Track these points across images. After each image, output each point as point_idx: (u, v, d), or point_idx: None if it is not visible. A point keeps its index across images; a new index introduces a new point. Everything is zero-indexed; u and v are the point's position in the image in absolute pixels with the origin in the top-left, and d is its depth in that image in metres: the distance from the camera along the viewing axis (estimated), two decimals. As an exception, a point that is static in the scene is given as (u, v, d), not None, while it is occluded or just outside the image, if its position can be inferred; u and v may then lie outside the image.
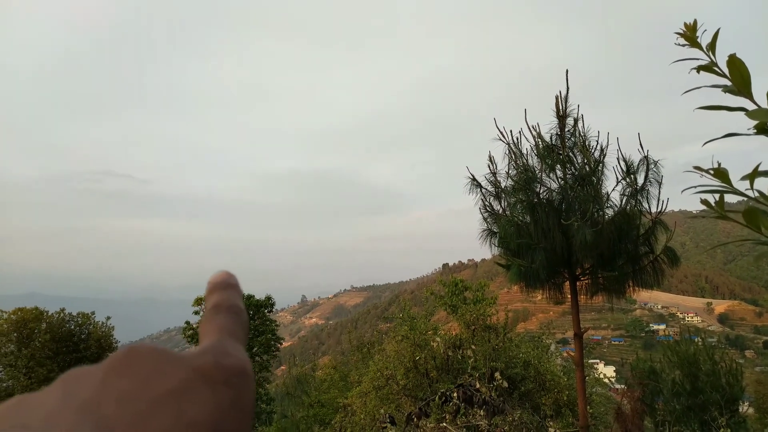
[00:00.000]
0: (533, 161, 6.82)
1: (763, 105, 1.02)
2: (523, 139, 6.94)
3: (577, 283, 6.90)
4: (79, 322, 28.12)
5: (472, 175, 7.16)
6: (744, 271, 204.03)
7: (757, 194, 0.95)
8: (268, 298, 28.98)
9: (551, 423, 5.71)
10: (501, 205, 7.03)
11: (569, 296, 7.13)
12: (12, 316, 25.84)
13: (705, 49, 1.15)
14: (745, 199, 1.06)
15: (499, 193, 7.05)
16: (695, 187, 0.98)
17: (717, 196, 0.98)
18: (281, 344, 29.86)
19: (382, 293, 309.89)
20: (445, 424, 5.02)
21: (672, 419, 9.26)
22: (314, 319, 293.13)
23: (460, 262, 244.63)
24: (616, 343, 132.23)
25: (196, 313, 27.21)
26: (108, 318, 29.76)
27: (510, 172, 6.87)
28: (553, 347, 12.15)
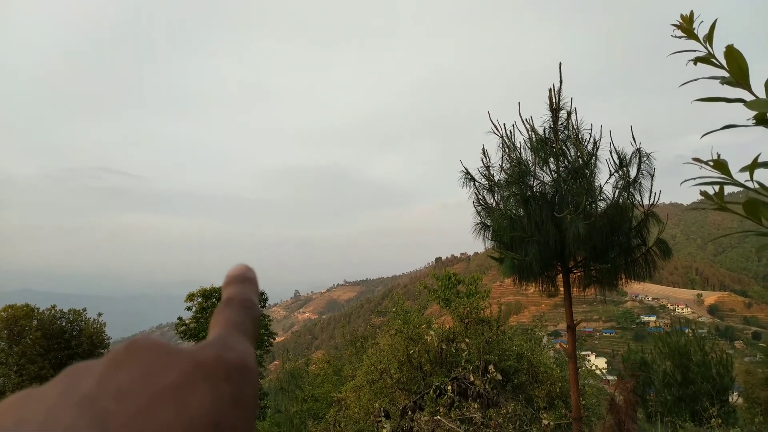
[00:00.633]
0: (527, 154, 6.84)
1: (762, 96, 1.02)
2: (517, 133, 6.95)
3: (570, 276, 6.93)
4: (71, 319, 27.94)
5: (466, 169, 7.16)
6: (734, 262, 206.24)
7: (756, 185, 0.95)
8: (261, 293, 28.85)
9: (545, 415, 5.75)
10: (494, 199, 7.03)
11: (562, 289, 7.17)
12: (2, 313, 25.60)
13: (702, 41, 1.14)
14: (741, 189, 1.06)
15: (492, 186, 7.05)
16: (695, 178, 0.97)
17: (717, 187, 0.97)
18: (274, 339, 29.85)
19: (375, 287, 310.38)
20: (439, 416, 5.04)
21: (664, 410, 9.36)
22: (307, 314, 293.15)
23: (452, 255, 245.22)
24: (608, 334, 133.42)
25: (189, 309, 27.12)
26: (99, 314, 29.59)
27: (503, 165, 6.87)
28: (545, 340, 12.24)
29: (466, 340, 7.36)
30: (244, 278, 0.40)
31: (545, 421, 5.38)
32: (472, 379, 5.02)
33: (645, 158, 6.34)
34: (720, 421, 7.01)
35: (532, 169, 6.76)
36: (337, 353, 22.35)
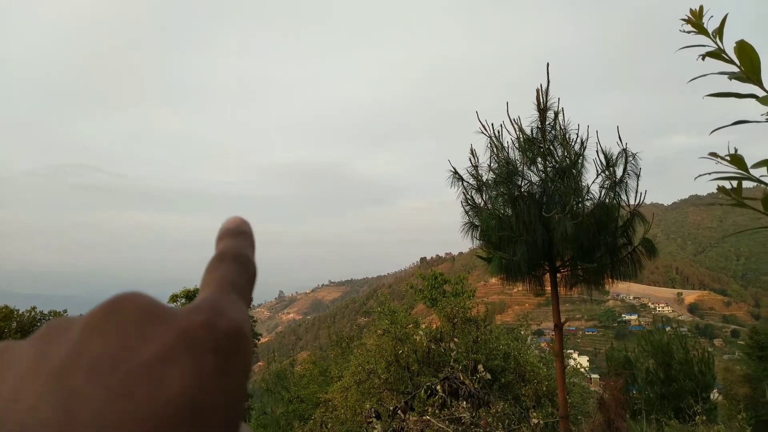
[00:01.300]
0: (515, 154, 6.86)
1: (774, 91, 1.00)
2: (505, 133, 6.98)
3: (557, 275, 6.98)
4: (51, 321, 27.47)
5: (454, 168, 7.16)
6: (713, 261, 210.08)
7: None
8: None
9: (534, 413, 5.77)
10: (482, 198, 7.05)
11: (548, 288, 7.21)
12: (-20, 315, 25.03)
13: (712, 36, 1.13)
14: (754, 185, 1.05)
15: (480, 186, 7.06)
16: (711, 173, 0.96)
17: (733, 183, 0.96)
18: (259, 340, 29.70)
19: (360, 288, 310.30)
20: (427, 416, 5.02)
21: (648, 408, 9.46)
22: (292, 315, 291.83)
23: (437, 255, 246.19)
24: (590, 333, 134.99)
25: (171, 309, 26.77)
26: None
27: (491, 165, 6.89)
28: (529, 339, 12.33)
29: (455, 339, 7.36)
30: (240, 231, 0.35)
31: (535, 420, 5.40)
32: (462, 378, 5.02)
33: (631, 158, 6.40)
34: (705, 418, 7.11)
35: (520, 168, 6.79)
36: (323, 354, 22.27)
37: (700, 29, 1.14)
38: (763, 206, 0.90)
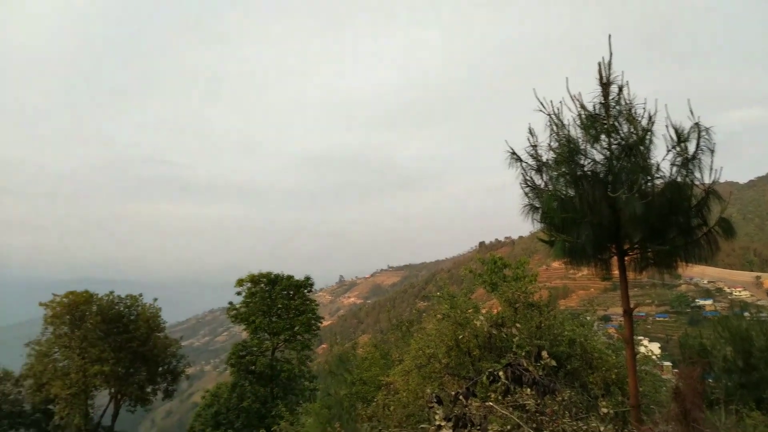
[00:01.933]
0: (576, 132, 6.56)
1: None
2: (565, 110, 6.68)
3: (625, 259, 6.66)
4: (128, 304, 29.29)
5: (512, 149, 6.95)
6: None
7: None
8: (307, 279, 29.41)
9: (603, 402, 5.57)
10: (543, 179, 6.81)
11: (616, 272, 6.91)
12: (64, 299, 27.02)
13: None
14: None
15: (540, 166, 6.82)
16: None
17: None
18: (321, 323, 30.37)
19: (419, 272, 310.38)
20: (490, 402, 4.96)
21: (728, 397, 8.94)
22: (352, 299, 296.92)
23: (496, 240, 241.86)
24: (661, 319, 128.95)
25: (239, 294, 27.89)
26: (155, 300, 30.88)
27: (551, 144, 6.63)
28: (596, 325, 11.93)
29: (517, 324, 7.21)
30: None
31: (604, 409, 5.21)
32: (525, 365, 4.91)
33: (704, 133, 5.97)
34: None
35: (582, 147, 6.50)
36: (383, 337, 22.50)
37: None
38: None
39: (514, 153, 7.01)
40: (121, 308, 28.74)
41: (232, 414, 25.06)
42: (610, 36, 6.59)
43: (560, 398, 4.86)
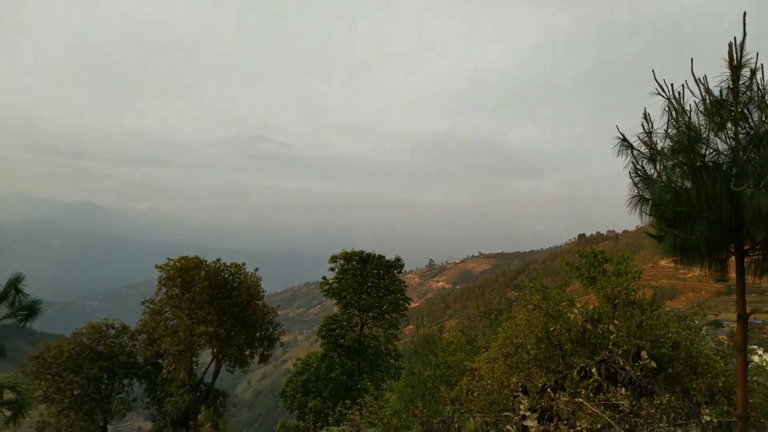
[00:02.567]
0: (698, 119, 5.98)
1: None
2: (687, 94, 6.10)
3: (745, 260, 6.03)
4: (232, 272, 31.44)
5: (623, 135, 6.48)
6: None
7: None
8: (398, 259, 29.77)
9: (706, 410, 5.14)
10: (656, 169, 6.30)
11: (732, 274, 6.28)
12: (177, 263, 29.56)
13: None
14: None
15: (654, 155, 6.31)
16: None
17: None
18: (409, 304, 30.69)
19: (511, 261, 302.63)
20: (580, 399, 4.75)
21: None
22: (441, 283, 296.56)
23: (598, 233, 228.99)
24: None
25: (332, 269, 28.89)
26: (256, 269, 32.89)
27: (669, 131, 6.10)
28: (704, 329, 10.99)
29: (615, 321, 6.81)
30: None
31: (707, 417, 4.80)
32: (621, 363, 4.63)
33: None
34: None
35: (704, 135, 5.92)
36: (471, 323, 22.32)
37: None
38: None
39: (625, 140, 6.53)
40: (226, 275, 30.90)
41: (321, 383, 26.23)
42: (745, 13, 5.90)
43: (658, 401, 4.55)
